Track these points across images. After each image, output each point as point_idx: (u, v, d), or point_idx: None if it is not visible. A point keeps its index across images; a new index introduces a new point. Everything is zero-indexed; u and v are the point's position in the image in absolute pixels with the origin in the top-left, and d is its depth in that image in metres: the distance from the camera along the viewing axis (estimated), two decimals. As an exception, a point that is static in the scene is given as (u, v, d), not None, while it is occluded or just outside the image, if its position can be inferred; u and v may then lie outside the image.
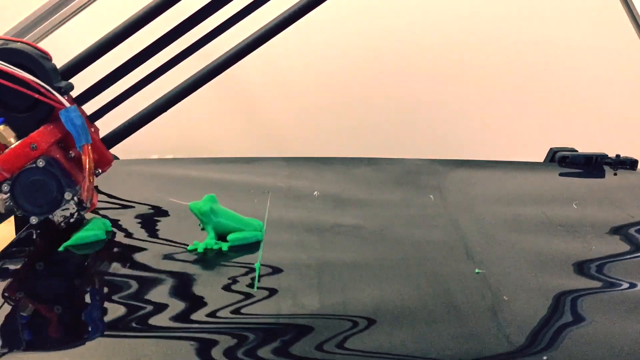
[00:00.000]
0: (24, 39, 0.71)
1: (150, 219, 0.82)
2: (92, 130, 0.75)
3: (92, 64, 0.74)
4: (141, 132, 0.81)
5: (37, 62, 0.67)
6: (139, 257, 0.72)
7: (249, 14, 0.78)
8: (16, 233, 0.77)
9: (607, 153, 1.07)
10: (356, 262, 0.70)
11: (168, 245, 0.74)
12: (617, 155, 1.07)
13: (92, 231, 0.72)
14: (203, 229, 0.73)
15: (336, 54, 1.58)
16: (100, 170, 0.76)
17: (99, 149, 0.75)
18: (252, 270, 0.67)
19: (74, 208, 0.70)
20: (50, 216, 0.70)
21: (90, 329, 0.59)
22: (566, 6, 1.54)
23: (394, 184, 0.95)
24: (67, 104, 0.68)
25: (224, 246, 0.71)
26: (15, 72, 0.66)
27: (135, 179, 0.96)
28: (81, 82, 0.75)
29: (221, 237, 0.72)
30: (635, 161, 1.06)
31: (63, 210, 0.70)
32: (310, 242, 0.75)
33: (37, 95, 0.67)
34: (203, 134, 1.65)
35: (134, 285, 0.66)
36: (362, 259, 0.71)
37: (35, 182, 0.68)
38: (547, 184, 0.99)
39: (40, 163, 0.67)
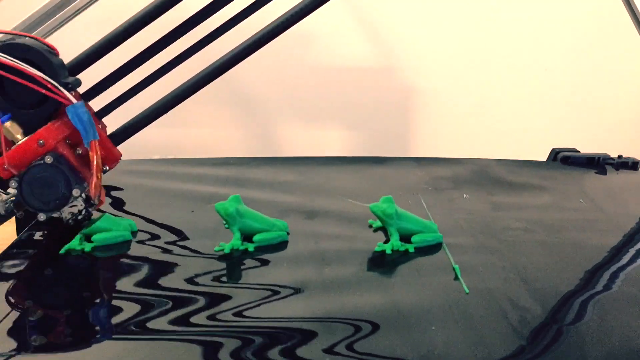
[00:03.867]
0: (32, 34, 0.71)
1: (151, 220, 0.81)
2: (100, 126, 0.75)
3: (99, 59, 0.73)
4: (142, 132, 0.80)
5: (44, 57, 0.67)
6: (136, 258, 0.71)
7: (256, 10, 0.77)
8: (17, 233, 0.77)
9: (608, 153, 1.09)
10: (553, 267, 0.70)
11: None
12: (619, 156, 1.09)
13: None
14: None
15: (336, 56, 1.58)
16: (107, 167, 0.75)
17: (107, 145, 0.74)
18: (444, 270, 0.67)
19: (81, 205, 0.69)
20: (58, 213, 0.69)
21: (96, 330, 0.58)
22: (568, 7, 1.54)
23: (531, 187, 0.96)
24: (74, 100, 0.67)
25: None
26: (22, 67, 0.65)
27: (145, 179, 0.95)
28: (88, 78, 0.74)
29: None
30: (637, 162, 1.07)
31: (71, 207, 0.69)
32: (490, 245, 0.75)
33: (43, 91, 0.66)
34: (203, 134, 1.65)
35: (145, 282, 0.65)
36: (555, 263, 0.71)
37: (43, 178, 0.67)
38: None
39: (48, 159, 0.67)
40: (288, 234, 0.75)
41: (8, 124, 0.67)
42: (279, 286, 0.64)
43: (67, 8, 0.81)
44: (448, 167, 1.04)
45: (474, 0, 1.55)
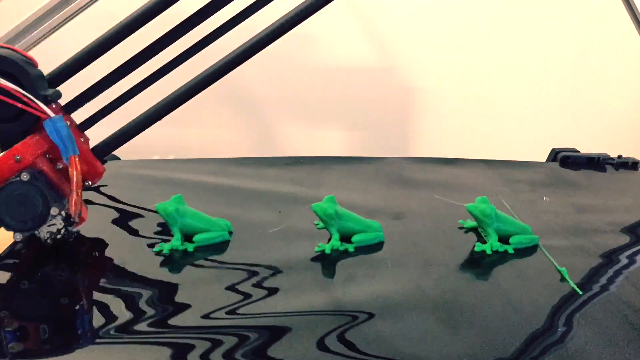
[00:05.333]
0: (8, 45, 0.67)
1: (151, 220, 0.79)
2: (82, 140, 0.71)
3: (81, 70, 0.69)
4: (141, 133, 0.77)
5: (20, 68, 0.63)
6: (144, 257, 0.69)
7: (250, 15, 0.74)
8: None
9: (608, 153, 1.09)
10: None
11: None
12: (619, 156, 1.09)
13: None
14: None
15: (336, 56, 1.57)
16: (90, 182, 0.72)
17: (89, 159, 0.71)
18: (548, 271, 0.67)
19: (61, 224, 0.66)
20: (35, 232, 0.66)
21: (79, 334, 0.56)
22: (568, 7, 1.53)
23: (607, 189, 0.97)
24: (52, 114, 0.64)
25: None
26: None
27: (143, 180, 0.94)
28: (71, 89, 0.71)
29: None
30: (637, 162, 1.07)
31: (49, 225, 0.66)
32: (587, 247, 0.75)
33: (19, 105, 0.63)
34: (203, 135, 1.63)
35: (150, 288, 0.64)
36: None
37: (19, 196, 0.64)
38: None
39: (25, 177, 0.64)
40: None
41: (-17, 138, 0.64)
42: (392, 286, 0.63)
43: (50, 21, 0.78)
44: (520, 169, 1.04)
45: (475, 1, 1.54)
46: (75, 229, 0.70)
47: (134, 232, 0.76)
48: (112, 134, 0.74)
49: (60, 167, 0.68)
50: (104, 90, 0.72)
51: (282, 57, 1.50)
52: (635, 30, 1.08)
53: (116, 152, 0.77)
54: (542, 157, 1.13)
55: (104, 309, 0.59)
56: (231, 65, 0.73)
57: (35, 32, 0.79)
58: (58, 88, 0.69)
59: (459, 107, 1.62)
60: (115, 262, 0.68)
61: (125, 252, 0.70)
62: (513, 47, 1.56)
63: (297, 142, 1.65)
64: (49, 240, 0.67)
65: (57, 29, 0.80)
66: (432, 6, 1.54)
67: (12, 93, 0.63)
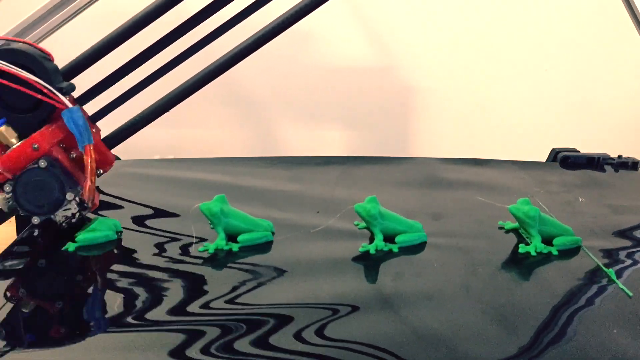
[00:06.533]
0: (25, 39, 0.71)
1: (153, 219, 0.81)
2: (94, 130, 0.75)
3: (93, 64, 0.73)
4: (142, 133, 0.80)
5: (38, 62, 0.67)
6: (142, 257, 0.71)
7: (251, 14, 0.78)
8: (17, 233, 0.77)
9: (608, 153, 1.08)
10: None
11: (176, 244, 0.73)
12: (619, 156, 1.08)
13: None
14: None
15: (336, 57, 1.59)
16: (102, 171, 0.76)
17: (101, 149, 0.75)
18: (593, 272, 0.67)
19: (75, 208, 0.70)
20: (52, 216, 0.70)
21: (92, 325, 0.58)
22: (568, 6, 1.55)
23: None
24: (70, 104, 0.68)
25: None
26: (18, 72, 0.66)
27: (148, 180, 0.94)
28: (82, 82, 0.75)
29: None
30: (637, 162, 1.07)
31: (65, 210, 0.70)
32: (631, 248, 0.75)
33: (40, 96, 0.67)
34: (202, 135, 1.65)
35: (136, 283, 0.65)
36: None
37: (37, 182, 0.68)
38: None
39: (42, 164, 0.68)
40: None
41: (3, 128, 0.68)
42: (441, 285, 0.64)
43: (61, 12, 0.82)
44: (552, 170, 1.04)
45: (475, 0, 1.55)
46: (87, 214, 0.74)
47: (147, 230, 0.77)
48: (121, 126, 0.78)
49: (74, 155, 0.72)
50: (114, 84, 0.76)
51: (282, 57, 1.52)
52: (635, 30, 1.09)
53: (116, 152, 0.80)
54: (542, 157, 1.13)
55: (108, 302, 0.61)
56: (236, 59, 0.76)
57: (45, 24, 0.82)
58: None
59: (459, 106, 1.63)
60: (118, 259, 0.70)
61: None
62: (513, 47, 1.57)
63: (297, 141, 1.66)
64: (64, 224, 0.71)
65: (66, 22, 0.84)
66: (433, 6, 1.55)
67: (31, 85, 0.67)
